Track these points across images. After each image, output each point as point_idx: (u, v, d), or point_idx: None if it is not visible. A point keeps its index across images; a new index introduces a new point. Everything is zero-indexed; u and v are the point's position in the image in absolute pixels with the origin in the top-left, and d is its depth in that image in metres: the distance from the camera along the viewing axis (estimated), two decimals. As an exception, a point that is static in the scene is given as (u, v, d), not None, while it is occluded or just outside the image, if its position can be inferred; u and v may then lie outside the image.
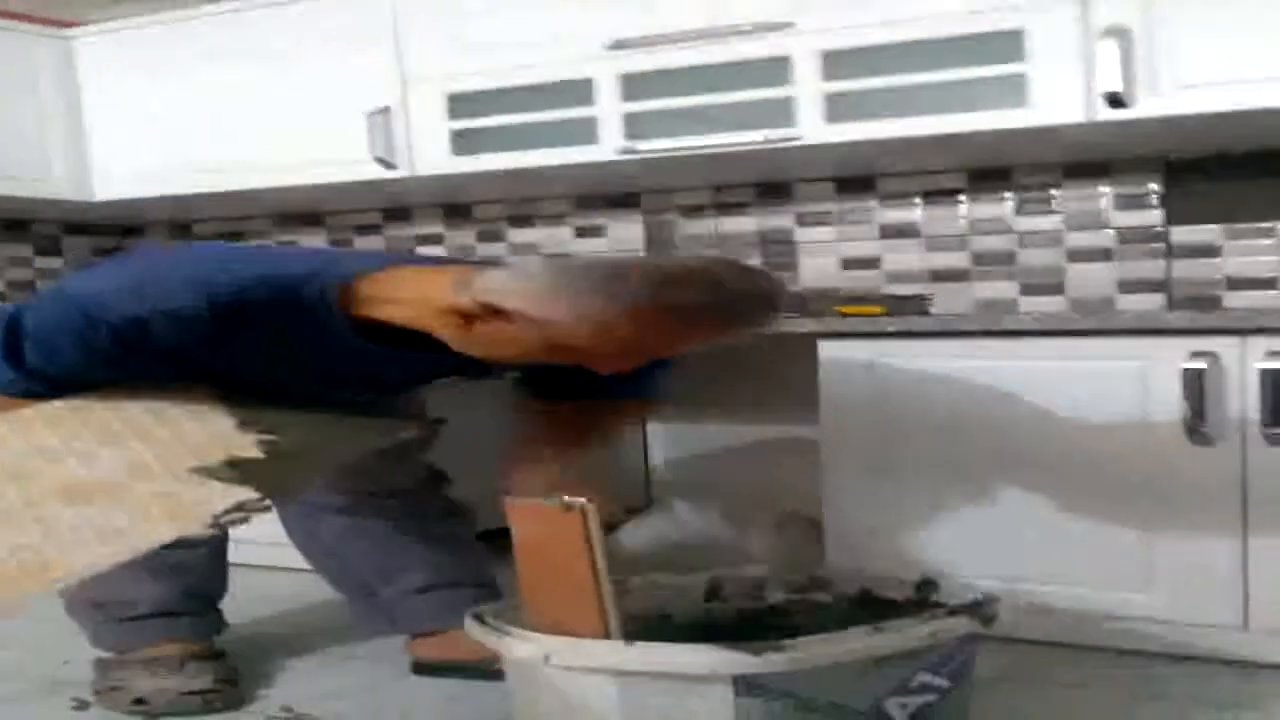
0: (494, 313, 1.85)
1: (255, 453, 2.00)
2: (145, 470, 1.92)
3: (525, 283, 1.83)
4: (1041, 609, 2.56)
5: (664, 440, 3.79)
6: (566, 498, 1.90)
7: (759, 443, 3.60)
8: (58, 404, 2.07)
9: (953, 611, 1.92)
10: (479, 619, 1.97)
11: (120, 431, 2.02)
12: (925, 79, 2.95)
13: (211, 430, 2.06)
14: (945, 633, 1.87)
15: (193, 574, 2.45)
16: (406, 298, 1.96)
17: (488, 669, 2.14)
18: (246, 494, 1.87)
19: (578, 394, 2.32)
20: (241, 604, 2.58)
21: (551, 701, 1.89)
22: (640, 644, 1.83)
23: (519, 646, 1.89)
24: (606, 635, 1.88)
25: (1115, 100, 2.72)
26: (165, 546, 2.33)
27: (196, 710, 2.29)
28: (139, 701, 2.30)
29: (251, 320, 1.95)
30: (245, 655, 2.53)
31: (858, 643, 1.80)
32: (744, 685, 1.76)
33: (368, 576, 2.53)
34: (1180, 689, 2.31)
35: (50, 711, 2.32)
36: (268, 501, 1.88)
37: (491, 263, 2.03)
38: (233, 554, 2.55)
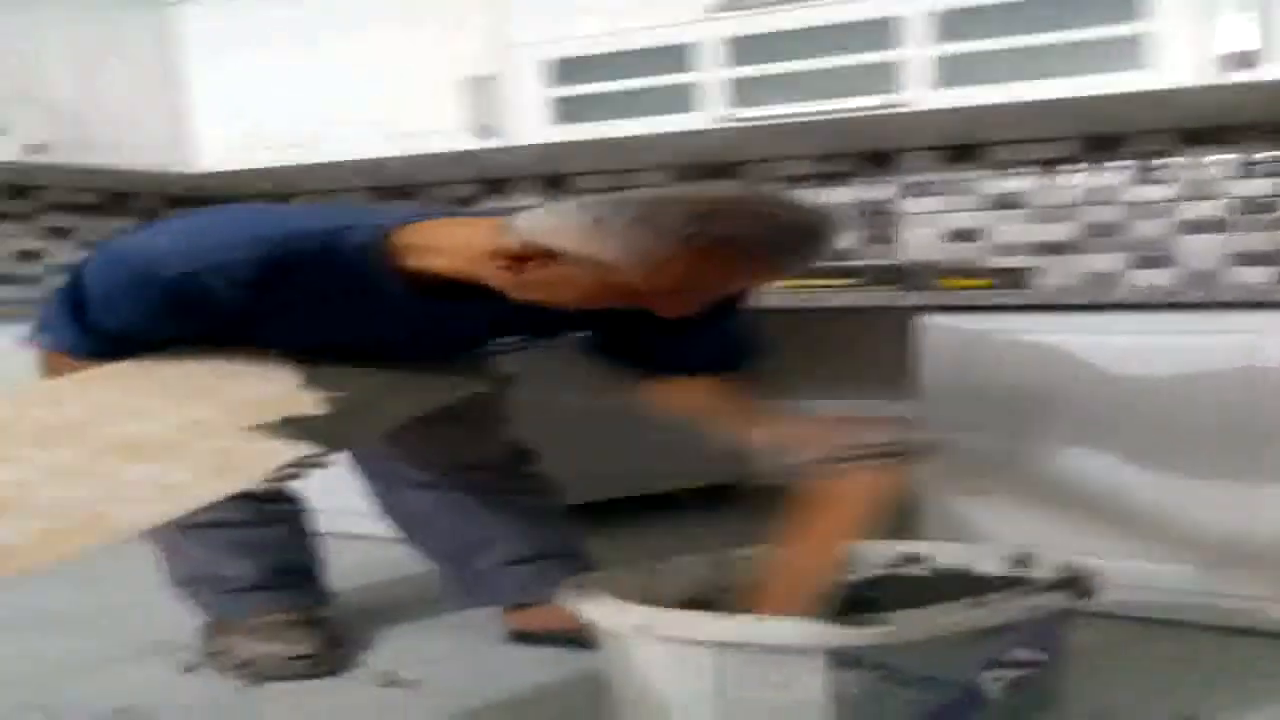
0: (542, 254, 1.83)
1: (316, 410, 1.99)
2: (206, 428, 1.92)
3: (564, 219, 1.80)
4: (1142, 585, 2.48)
5: None
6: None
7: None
8: (122, 364, 2.08)
9: (1050, 586, 1.90)
10: (577, 590, 1.97)
11: (184, 390, 2.03)
12: (1039, 40, 2.85)
13: (276, 389, 2.06)
14: (1042, 607, 1.85)
15: (279, 551, 2.46)
16: (447, 245, 1.95)
17: (583, 639, 2.13)
18: (305, 449, 1.86)
19: (657, 365, 2.29)
20: (339, 573, 2.60)
21: (647, 672, 1.89)
22: (738, 616, 1.83)
23: (616, 617, 1.88)
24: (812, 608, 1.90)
25: (1241, 61, 2.62)
26: (244, 524, 2.39)
27: (299, 674, 2.32)
28: (243, 665, 2.33)
29: (299, 276, 1.95)
30: (344, 622, 2.55)
31: (956, 617, 1.79)
32: (839, 658, 1.75)
33: (460, 549, 2.53)
34: (1262, 668, 2.25)
35: (158, 673, 2.35)
36: (325, 457, 1.86)
37: (516, 209, 2.03)
38: (328, 524, 2.56)
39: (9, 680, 2.33)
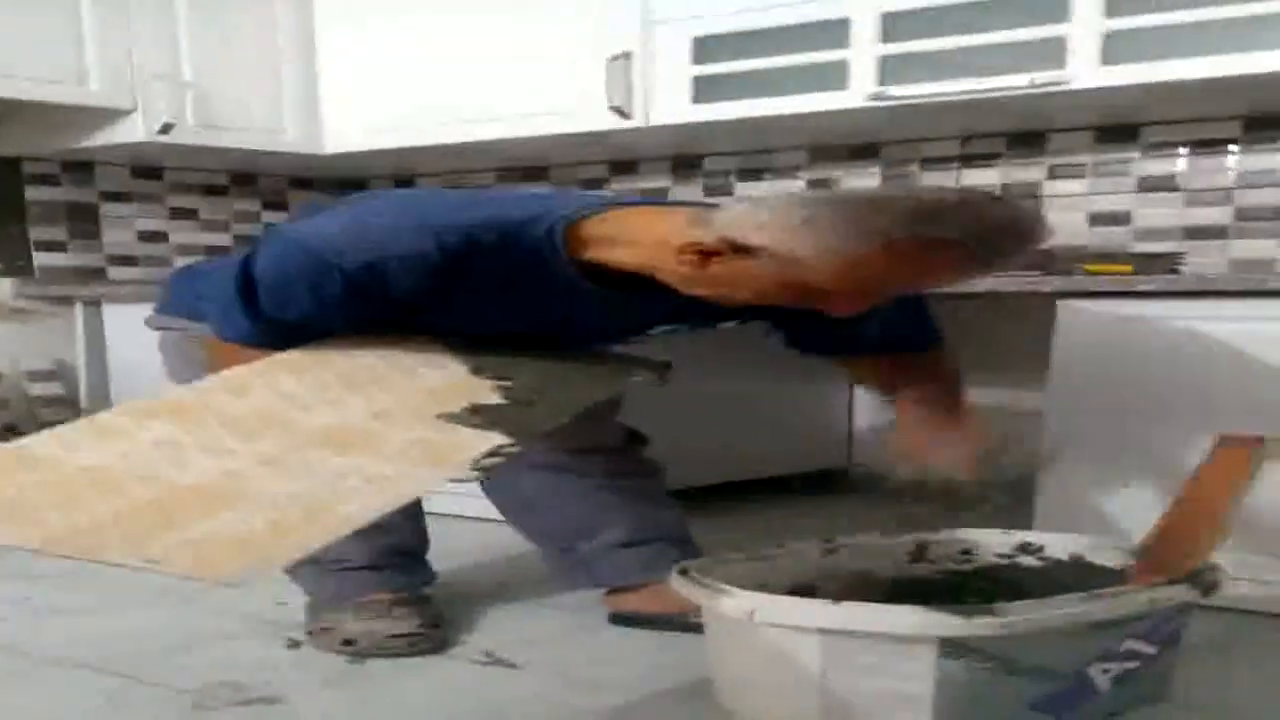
0: (736, 249, 1.81)
1: (496, 399, 2.00)
2: (394, 418, 1.93)
3: (774, 216, 1.78)
4: (1266, 579, 2.38)
5: (868, 403, 3.67)
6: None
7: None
8: (295, 353, 2.08)
9: (1173, 579, 1.88)
10: (684, 573, 1.97)
11: (361, 379, 2.03)
12: (1211, 15, 2.73)
13: (447, 376, 2.07)
14: (1163, 601, 1.85)
15: (393, 533, 2.45)
16: (637, 237, 1.94)
17: (686, 622, 2.15)
18: (498, 438, 1.86)
19: (837, 349, 2.35)
20: (439, 553, 2.60)
21: (755, 657, 1.89)
22: (847, 603, 1.84)
23: (725, 602, 1.87)
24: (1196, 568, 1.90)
25: None
26: None
27: (401, 652, 2.32)
28: (347, 642, 2.33)
29: (478, 264, 1.96)
30: (446, 602, 2.56)
31: (1071, 609, 1.78)
32: (950, 647, 1.74)
33: (566, 531, 2.52)
34: None
35: (264, 649, 2.38)
36: (519, 445, 1.86)
37: (710, 205, 2.02)
38: (428, 504, 2.55)
39: (114, 655, 2.34)
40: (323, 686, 2.18)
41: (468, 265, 1.96)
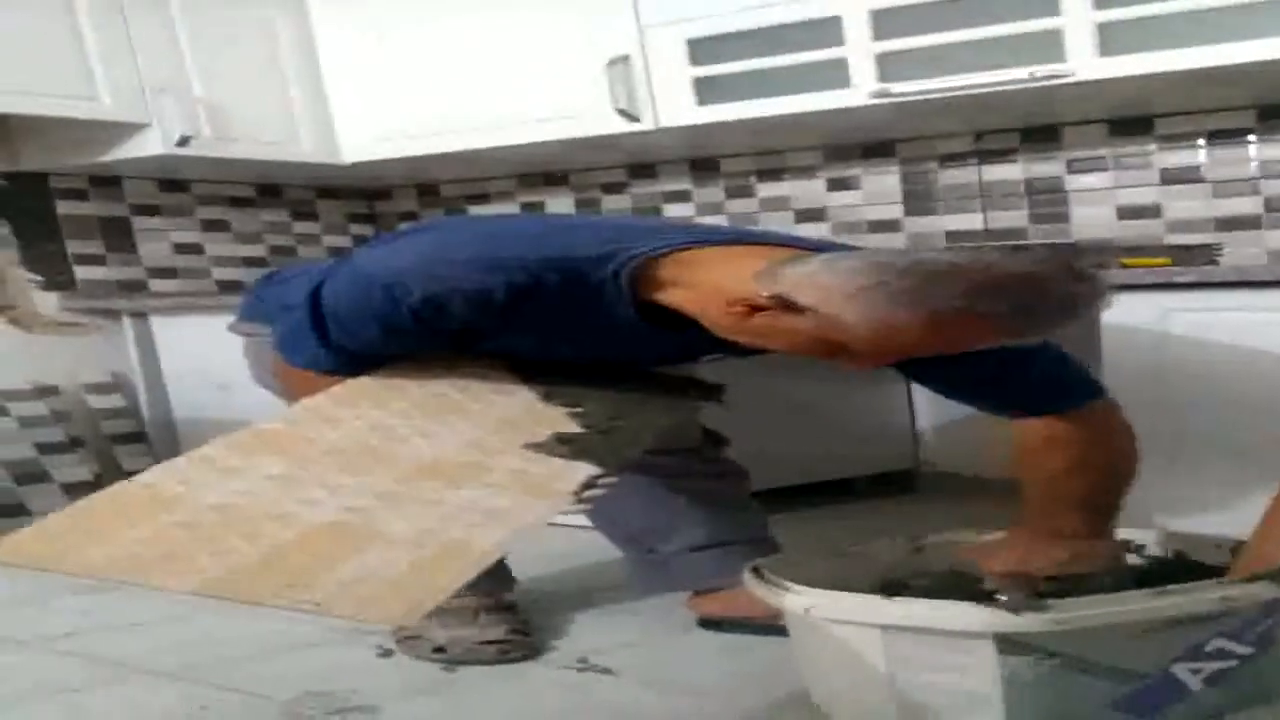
0: (785, 306, 1.79)
1: (576, 427, 2.04)
2: (486, 447, 1.97)
3: (836, 280, 1.75)
4: None
5: (930, 402, 3.62)
6: None
7: None
8: (369, 381, 2.12)
9: (1252, 577, 1.83)
10: (756, 572, 1.98)
11: (440, 407, 2.07)
12: (1207, 3, 2.72)
13: (520, 404, 2.11)
14: (1241, 598, 1.79)
15: None
16: (701, 281, 1.92)
17: (772, 625, 2.14)
18: (589, 467, 1.91)
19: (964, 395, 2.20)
20: (520, 559, 2.58)
21: (828, 654, 1.91)
22: (901, 599, 1.83)
23: (786, 599, 1.89)
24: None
25: None
26: None
27: (493, 659, 2.32)
28: (438, 650, 2.34)
29: (542, 301, 1.96)
30: (532, 608, 2.56)
31: (1130, 605, 1.76)
32: (1009, 644, 1.74)
33: (646, 534, 2.52)
34: None
35: (356, 657, 2.39)
36: (611, 474, 1.91)
37: (798, 243, 2.03)
38: None
39: (205, 663, 2.37)
40: (416, 694, 2.20)
41: (532, 302, 1.96)
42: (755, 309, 1.82)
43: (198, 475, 1.81)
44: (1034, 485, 2.08)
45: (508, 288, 1.93)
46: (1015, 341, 1.84)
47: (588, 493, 1.86)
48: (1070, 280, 1.77)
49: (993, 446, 3.27)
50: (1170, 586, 1.82)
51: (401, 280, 1.96)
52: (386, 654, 2.39)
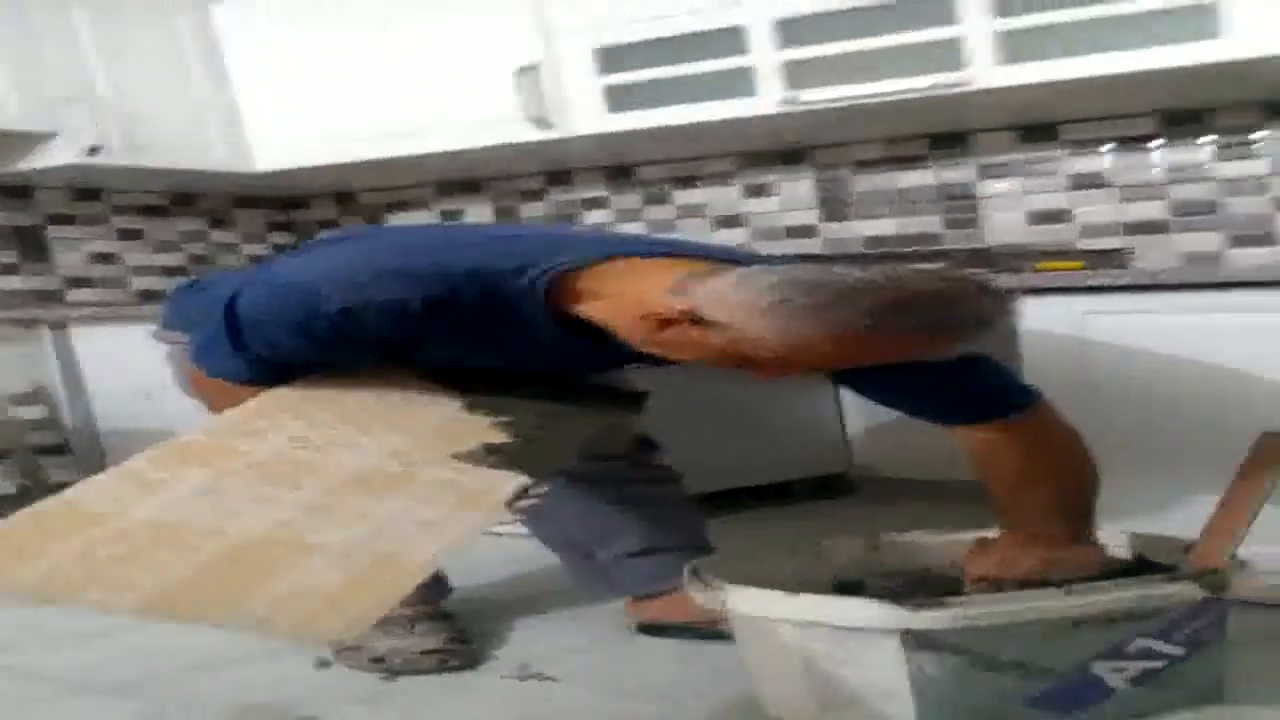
0: (696, 320, 1.82)
1: (504, 437, 2.04)
2: (412, 458, 1.96)
3: (747, 296, 1.78)
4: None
5: (858, 405, 3.57)
6: None
7: None
8: (289, 392, 2.11)
9: (1174, 577, 1.90)
10: (694, 573, 2.03)
11: (363, 419, 2.07)
12: (1105, 11, 2.76)
13: (444, 413, 2.11)
14: (1161, 599, 1.85)
15: None
16: (615, 293, 1.94)
17: (713, 629, 2.18)
18: (520, 478, 1.91)
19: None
20: (457, 569, 2.58)
21: (762, 651, 1.98)
22: (807, 595, 1.88)
23: (704, 594, 1.96)
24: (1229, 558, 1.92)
25: None
26: None
27: (432, 668, 2.32)
28: (377, 660, 2.33)
29: (458, 313, 1.97)
30: (471, 617, 2.56)
31: (1033, 603, 1.81)
32: (914, 640, 1.79)
33: (584, 540, 2.52)
34: None
35: (295, 669, 2.37)
36: (542, 485, 1.92)
37: (712, 253, 2.07)
38: None
39: (144, 675, 2.36)
40: (357, 704, 2.20)
41: (449, 313, 1.97)
42: (667, 322, 1.83)
43: (124, 490, 1.80)
44: (997, 491, 2.11)
45: (424, 300, 1.94)
46: (926, 357, 1.89)
47: (520, 503, 1.86)
48: (978, 297, 1.81)
49: (923, 449, 3.30)
50: (1078, 587, 1.87)
51: (319, 290, 1.96)
52: (325, 665, 2.38)
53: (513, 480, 1.89)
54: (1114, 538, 2.20)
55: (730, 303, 1.78)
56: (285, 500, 1.80)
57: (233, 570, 1.63)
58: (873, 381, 2.09)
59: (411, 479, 1.89)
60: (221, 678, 2.33)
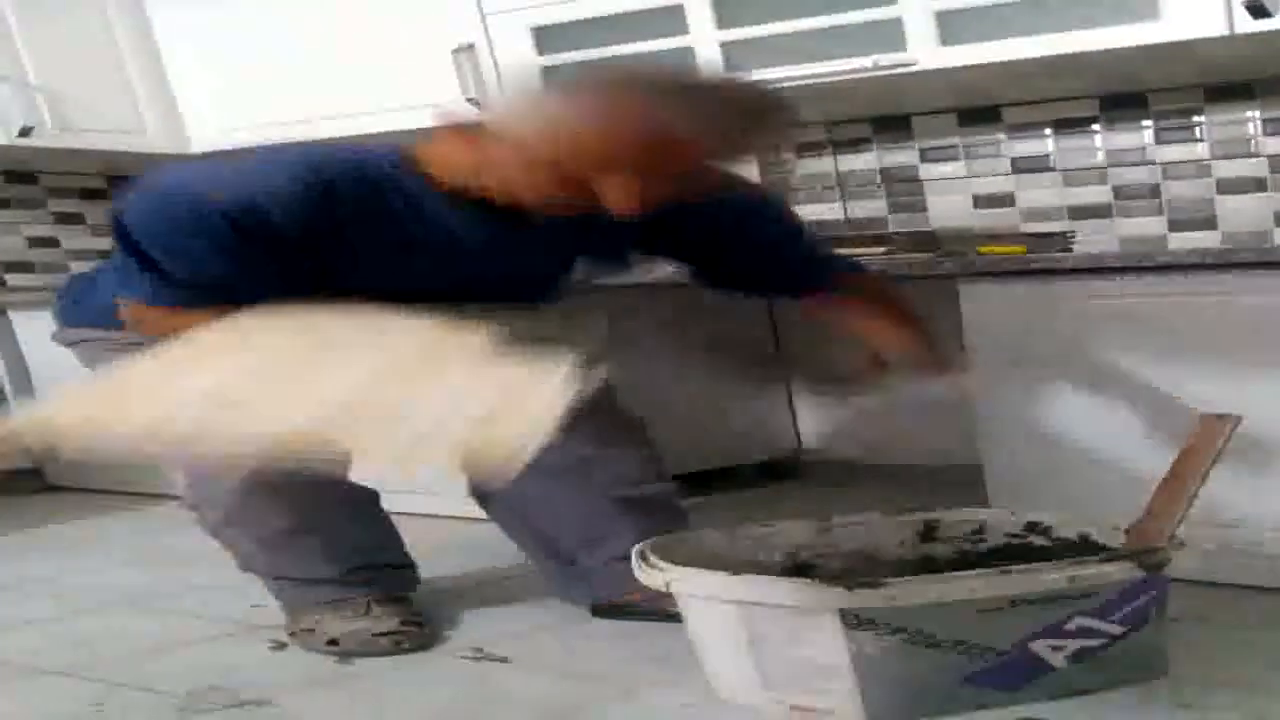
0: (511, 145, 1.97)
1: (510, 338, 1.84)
2: (431, 358, 1.77)
3: (545, 98, 2.05)
4: (1221, 550, 2.34)
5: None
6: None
7: (902, 388, 3.39)
8: (252, 319, 1.91)
9: (1113, 556, 1.93)
10: (640, 554, 2.05)
11: (349, 338, 1.86)
12: None
13: (435, 328, 1.90)
14: (1095, 578, 1.87)
15: (360, 553, 2.45)
16: (452, 148, 2.06)
17: (666, 610, 2.17)
18: (563, 355, 1.67)
19: (751, 286, 2.54)
20: (415, 552, 2.59)
21: (709, 631, 2.01)
22: (746, 575, 1.94)
23: (646, 574, 1.99)
24: (1168, 538, 1.96)
25: (1257, 9, 2.50)
26: (322, 528, 2.38)
27: (387, 651, 2.32)
28: (332, 642, 2.34)
29: (345, 199, 2.02)
30: (427, 600, 2.56)
31: (970, 584, 1.85)
32: (852, 619, 1.82)
33: (568, 544, 2.48)
34: None
35: (250, 652, 2.38)
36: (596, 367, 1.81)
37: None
38: (401, 504, 2.58)
39: (95, 659, 2.35)
40: (312, 687, 2.20)
41: (335, 200, 2.00)
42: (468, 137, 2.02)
43: (181, 360, 1.70)
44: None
45: (306, 183, 1.97)
46: (718, 156, 2.04)
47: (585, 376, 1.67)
48: (761, 99, 2.01)
49: (872, 432, 3.31)
50: (1011, 566, 1.93)
51: (204, 186, 1.96)
52: (280, 647, 2.38)
53: (556, 360, 1.64)
54: (1057, 518, 2.24)
55: (530, 104, 2.04)
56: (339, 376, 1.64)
57: (358, 410, 1.51)
58: (703, 259, 2.38)
59: (440, 375, 1.68)
60: (174, 661, 2.33)
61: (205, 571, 2.72)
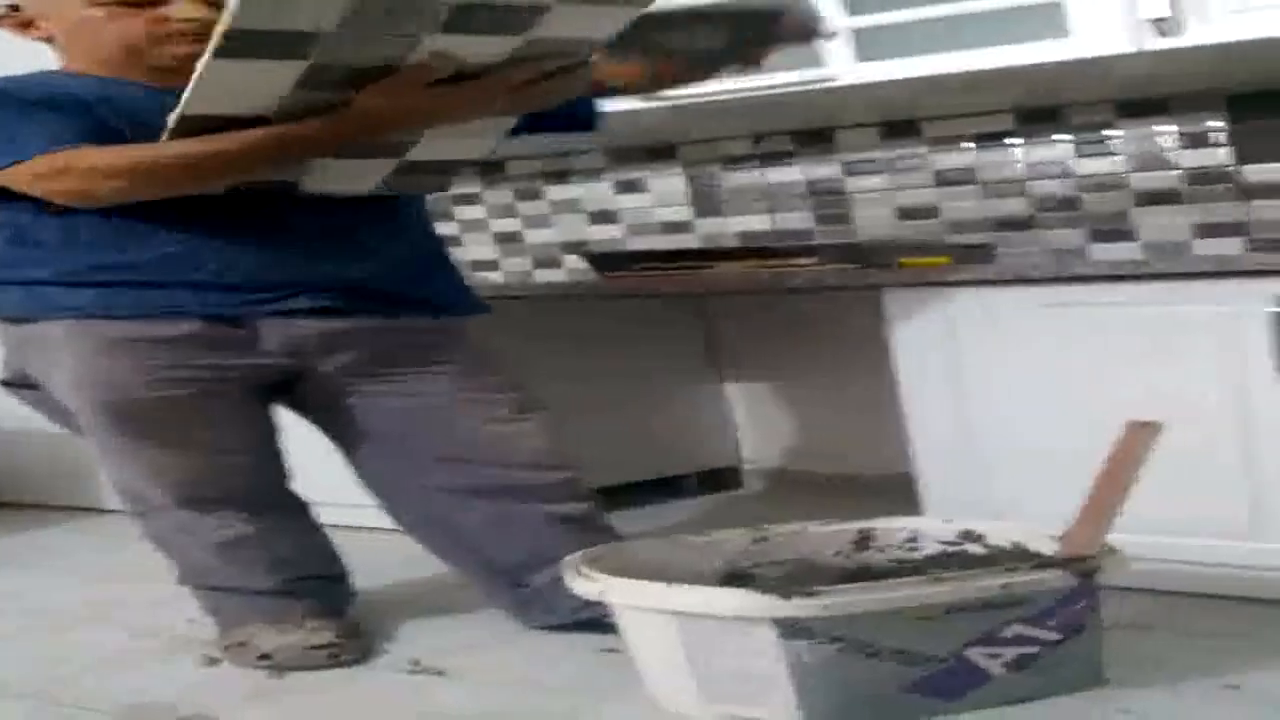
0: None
1: None
2: None
3: None
4: (1153, 558, 2.37)
5: (746, 399, 3.71)
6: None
7: (839, 399, 3.50)
8: None
9: (1045, 564, 1.97)
10: (573, 565, 2.07)
11: None
12: (956, 10, 2.80)
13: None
14: (1028, 585, 1.90)
15: (295, 565, 2.47)
16: None
17: (605, 620, 2.17)
18: None
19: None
20: (353, 564, 2.62)
21: (646, 642, 2.03)
22: (681, 585, 1.95)
23: (581, 584, 2.02)
24: (1099, 544, 1.99)
25: (1162, 27, 2.55)
26: (260, 542, 2.42)
27: (322, 664, 2.34)
28: (264, 656, 2.34)
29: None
30: (362, 612, 2.57)
31: (905, 592, 1.88)
32: (788, 628, 1.84)
33: (515, 567, 2.47)
34: None
35: (182, 668, 2.40)
36: None
37: None
38: (336, 517, 2.61)
39: (30, 675, 2.36)
40: (247, 702, 2.21)
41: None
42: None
43: None
44: None
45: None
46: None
47: None
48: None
49: (810, 442, 3.32)
50: (946, 574, 1.96)
51: None
52: (213, 663, 2.39)
53: None
54: (991, 527, 2.27)
55: None
56: None
57: None
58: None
59: None
60: (110, 678, 2.33)
61: (138, 587, 2.73)
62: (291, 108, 2.10)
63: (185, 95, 2.07)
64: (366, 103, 2.09)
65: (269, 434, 2.50)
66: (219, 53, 1.96)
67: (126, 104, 2.22)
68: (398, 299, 2.43)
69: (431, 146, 2.29)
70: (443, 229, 3.07)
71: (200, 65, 1.99)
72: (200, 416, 2.33)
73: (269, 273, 2.30)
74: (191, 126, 2.11)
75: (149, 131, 2.15)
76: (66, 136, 2.14)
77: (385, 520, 2.62)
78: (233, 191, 2.22)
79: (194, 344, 2.28)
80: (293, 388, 2.44)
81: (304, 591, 2.44)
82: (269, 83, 2.05)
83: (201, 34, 2.11)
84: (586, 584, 2.01)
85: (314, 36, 1.95)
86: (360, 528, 2.90)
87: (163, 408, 2.28)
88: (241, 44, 1.95)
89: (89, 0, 2.23)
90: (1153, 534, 2.33)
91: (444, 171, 2.50)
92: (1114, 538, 2.03)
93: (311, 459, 2.58)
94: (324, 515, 2.57)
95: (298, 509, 2.53)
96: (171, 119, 2.11)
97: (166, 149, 2.13)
